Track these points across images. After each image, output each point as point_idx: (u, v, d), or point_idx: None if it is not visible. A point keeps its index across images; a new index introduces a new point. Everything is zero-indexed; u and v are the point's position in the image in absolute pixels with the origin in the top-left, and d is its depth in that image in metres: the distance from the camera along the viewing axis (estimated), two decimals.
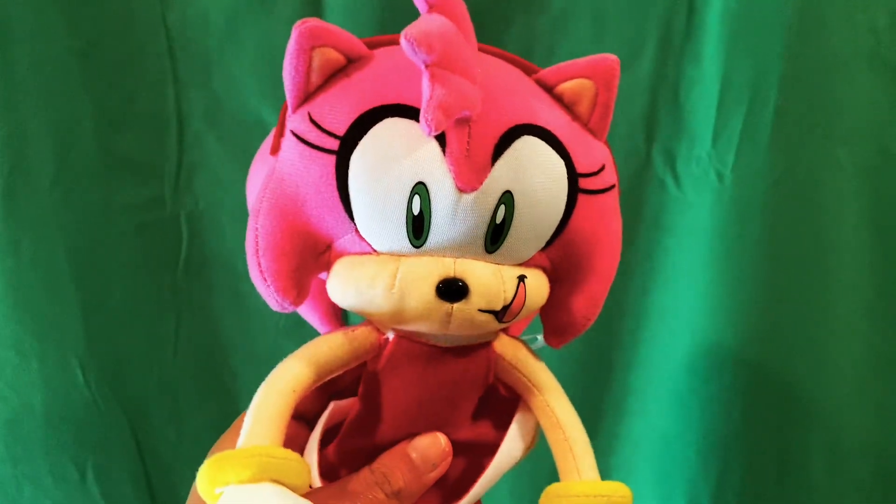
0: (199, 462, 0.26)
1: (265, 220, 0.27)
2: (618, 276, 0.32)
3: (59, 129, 0.47)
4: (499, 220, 0.27)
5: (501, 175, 0.26)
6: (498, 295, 0.27)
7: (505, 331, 0.32)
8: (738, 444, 0.57)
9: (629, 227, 0.31)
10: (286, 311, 0.29)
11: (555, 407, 0.32)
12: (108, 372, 0.52)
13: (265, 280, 0.27)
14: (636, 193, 0.53)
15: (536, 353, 0.33)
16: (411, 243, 0.27)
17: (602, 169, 0.29)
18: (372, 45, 0.28)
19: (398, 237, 0.27)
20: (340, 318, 0.35)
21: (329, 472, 0.31)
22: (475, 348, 0.30)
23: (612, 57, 0.29)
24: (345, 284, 0.28)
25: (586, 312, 0.31)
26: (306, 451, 0.32)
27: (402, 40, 0.23)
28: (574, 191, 0.28)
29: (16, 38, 0.45)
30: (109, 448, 0.53)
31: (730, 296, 0.54)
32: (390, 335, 0.29)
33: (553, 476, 0.32)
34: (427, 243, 0.27)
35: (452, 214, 0.26)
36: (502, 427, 0.33)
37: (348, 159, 0.26)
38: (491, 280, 0.27)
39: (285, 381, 0.28)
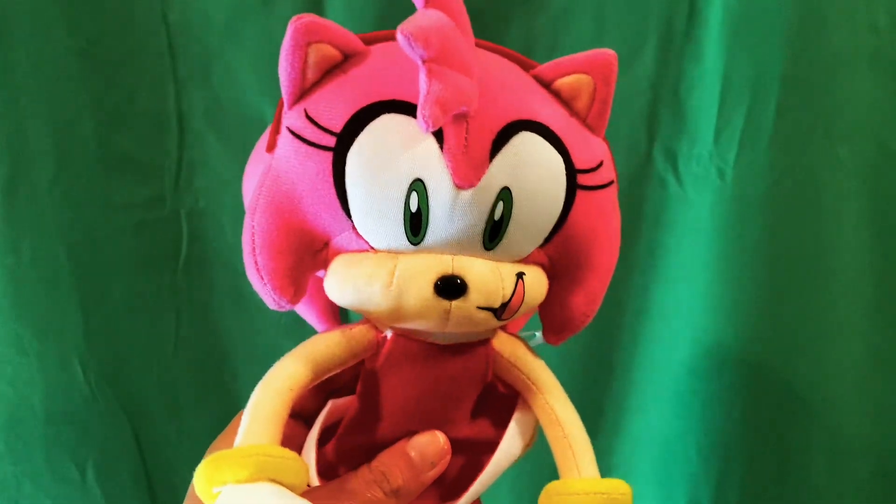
0: (199, 460, 0.26)
1: (261, 217, 0.27)
2: (618, 273, 0.32)
3: (59, 128, 0.47)
4: (497, 216, 0.27)
5: (499, 171, 0.26)
6: (496, 292, 0.27)
7: (503, 328, 0.32)
8: (738, 443, 0.57)
9: (630, 225, 0.31)
10: (283, 310, 0.29)
11: (554, 405, 0.32)
12: (109, 370, 0.52)
13: (262, 278, 0.27)
14: (637, 192, 0.53)
15: (535, 351, 0.33)
16: (409, 240, 0.26)
17: (600, 165, 0.29)
18: (369, 41, 0.28)
19: (396, 234, 0.26)
20: (338, 315, 0.35)
21: (327, 470, 0.31)
22: (474, 346, 0.30)
23: (610, 52, 0.29)
24: (342, 282, 0.28)
25: (585, 309, 0.31)
26: (304, 450, 0.32)
27: (399, 36, 0.23)
28: (572, 187, 0.28)
29: (16, 36, 0.45)
30: (109, 446, 0.53)
31: (730, 294, 0.54)
32: (388, 333, 0.29)
33: (553, 474, 0.32)
34: (425, 240, 0.26)
35: (450, 211, 0.26)
36: (501, 425, 0.33)
37: (345, 156, 0.26)
38: (489, 277, 0.27)
39: (282, 380, 0.28)
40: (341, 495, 0.29)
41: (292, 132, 0.27)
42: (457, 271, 0.27)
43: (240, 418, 0.31)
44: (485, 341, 0.31)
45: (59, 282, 0.49)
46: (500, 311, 0.28)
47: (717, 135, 0.51)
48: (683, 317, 0.55)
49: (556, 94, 0.29)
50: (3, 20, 0.45)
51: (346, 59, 0.27)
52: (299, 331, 0.30)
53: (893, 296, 0.55)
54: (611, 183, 0.30)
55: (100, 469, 0.53)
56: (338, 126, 0.26)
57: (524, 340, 0.33)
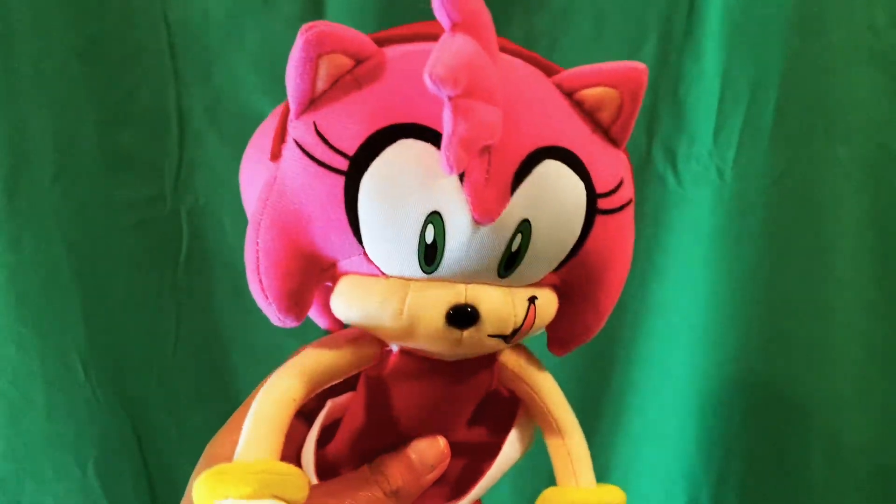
0: (200, 457, 0.26)
1: (266, 235, 0.26)
2: None
3: (60, 126, 0.47)
4: (514, 248, 0.25)
5: (520, 204, 0.25)
6: (508, 320, 0.27)
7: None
8: (738, 440, 0.57)
9: None
10: (286, 327, 0.28)
11: (556, 414, 0.32)
12: (109, 368, 0.52)
13: (266, 298, 0.26)
14: (636, 190, 0.53)
15: (537, 356, 0.33)
16: (422, 269, 0.25)
17: (620, 184, 0.28)
18: (381, 42, 0.26)
19: (409, 263, 0.25)
20: None
21: (326, 471, 0.31)
22: (480, 360, 0.30)
23: (640, 66, 0.27)
24: (350, 304, 0.27)
25: (592, 325, 0.31)
26: (304, 450, 0.32)
27: (427, 79, 0.21)
28: (592, 212, 0.27)
29: (17, 35, 0.45)
30: (110, 444, 0.53)
31: (730, 292, 0.54)
32: (394, 347, 0.29)
33: (553, 475, 0.32)
34: (438, 270, 0.25)
35: (467, 245, 0.25)
36: (501, 428, 0.33)
37: (358, 181, 0.24)
38: (502, 306, 0.26)
39: (284, 391, 0.27)
40: (342, 494, 0.29)
41: (301, 148, 0.25)
42: (469, 300, 0.26)
43: (239, 415, 0.31)
44: (491, 356, 0.30)
45: (60, 280, 0.49)
46: (511, 336, 0.27)
47: (716, 133, 0.52)
48: (683, 314, 0.55)
49: (578, 104, 0.27)
50: (4, 19, 0.45)
51: (358, 65, 0.25)
52: (300, 329, 0.30)
53: (894, 293, 0.55)
54: (629, 202, 0.29)
55: (100, 466, 0.53)
56: (351, 148, 0.24)
57: (528, 350, 0.33)
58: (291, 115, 0.26)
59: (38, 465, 0.52)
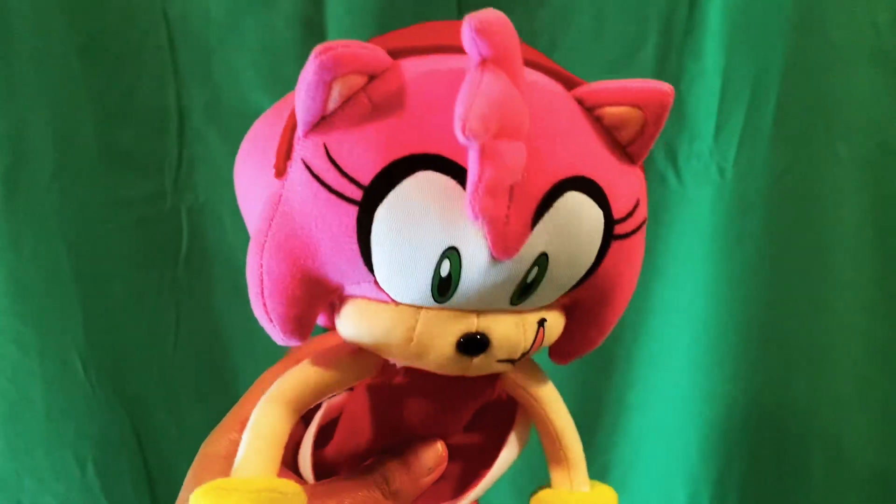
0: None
1: (271, 260, 0.25)
2: None
3: (59, 123, 0.47)
4: (529, 280, 0.25)
5: (540, 238, 0.24)
6: (518, 346, 0.26)
7: None
8: (738, 440, 0.57)
9: None
10: (289, 346, 0.28)
11: (554, 420, 0.32)
12: (109, 366, 0.52)
13: (271, 321, 0.26)
14: None
15: (536, 362, 0.33)
16: (434, 299, 0.25)
17: (636, 206, 0.27)
18: (396, 54, 0.24)
19: (421, 293, 0.25)
20: None
21: (324, 471, 0.31)
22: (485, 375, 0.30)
23: (667, 88, 0.26)
24: (358, 329, 0.26)
25: (595, 339, 0.30)
26: (301, 450, 0.32)
27: (459, 132, 0.20)
28: (608, 238, 0.26)
29: (16, 32, 0.45)
30: (109, 442, 0.53)
31: (731, 291, 0.54)
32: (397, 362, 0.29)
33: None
34: (451, 301, 0.25)
35: (483, 279, 0.24)
36: (500, 431, 0.33)
37: (372, 213, 0.23)
38: (513, 333, 0.26)
39: (285, 404, 0.27)
40: (340, 494, 0.29)
41: (311, 171, 0.24)
42: (481, 329, 0.25)
43: (234, 415, 0.31)
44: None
45: (60, 278, 0.49)
46: (519, 359, 0.27)
47: (717, 132, 0.51)
48: (683, 312, 0.55)
49: (599, 119, 0.26)
50: (4, 16, 0.45)
51: (372, 81, 0.23)
52: None
53: (893, 293, 0.55)
54: (643, 223, 0.28)
55: (100, 464, 0.53)
56: (366, 178, 0.23)
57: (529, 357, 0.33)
58: (299, 132, 0.24)
59: (38, 463, 0.52)
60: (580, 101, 0.26)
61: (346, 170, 0.23)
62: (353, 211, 0.23)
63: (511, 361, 0.27)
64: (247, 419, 0.27)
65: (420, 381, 0.28)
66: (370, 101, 0.23)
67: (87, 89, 0.48)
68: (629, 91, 0.25)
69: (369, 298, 0.26)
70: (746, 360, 0.55)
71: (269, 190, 0.25)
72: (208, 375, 0.55)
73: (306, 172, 0.24)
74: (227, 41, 0.48)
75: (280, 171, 0.24)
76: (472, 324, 0.25)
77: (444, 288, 0.24)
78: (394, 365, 0.28)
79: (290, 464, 0.32)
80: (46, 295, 0.49)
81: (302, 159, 0.24)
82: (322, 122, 0.23)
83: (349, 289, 0.26)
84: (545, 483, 0.33)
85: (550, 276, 0.25)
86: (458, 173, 0.22)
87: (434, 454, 0.31)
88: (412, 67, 0.24)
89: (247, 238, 0.27)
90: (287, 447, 0.27)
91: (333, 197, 0.23)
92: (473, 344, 0.25)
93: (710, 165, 0.52)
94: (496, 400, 0.32)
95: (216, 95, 0.49)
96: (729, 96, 0.51)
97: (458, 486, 0.32)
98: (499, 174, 0.21)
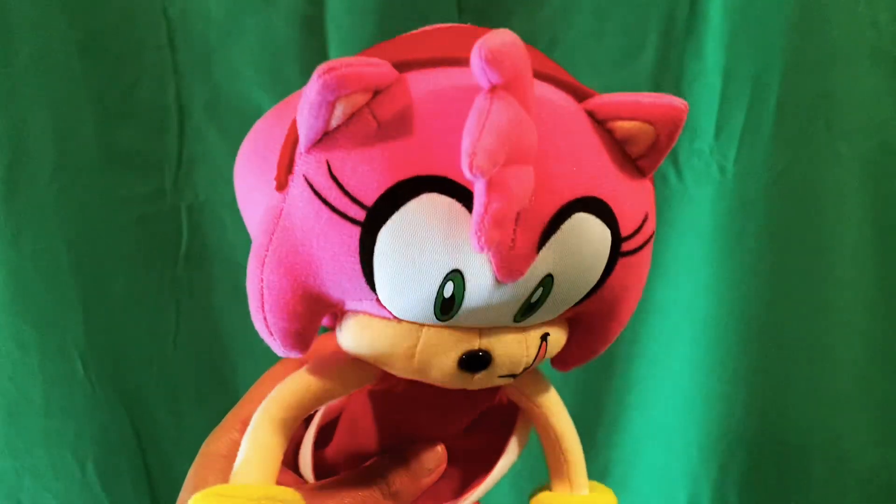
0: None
1: (272, 275, 0.24)
2: None
3: (59, 121, 0.47)
4: (534, 300, 0.25)
5: (546, 261, 0.23)
6: (521, 362, 0.26)
7: None
8: (738, 439, 0.57)
9: None
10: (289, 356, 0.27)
11: (554, 424, 0.32)
12: (108, 364, 0.52)
13: (271, 334, 0.26)
14: None
15: (540, 370, 0.32)
16: (437, 318, 0.25)
17: (645, 220, 0.26)
18: (401, 67, 0.23)
19: (423, 312, 0.24)
20: None
21: (324, 471, 0.31)
22: None
23: (681, 104, 0.25)
24: (359, 343, 0.26)
25: (598, 349, 0.30)
26: (301, 450, 0.32)
27: (466, 169, 0.20)
28: (615, 255, 0.25)
29: (16, 29, 0.45)
30: (109, 440, 0.53)
31: (731, 289, 0.54)
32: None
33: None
34: (453, 319, 0.25)
35: (486, 301, 0.24)
36: (501, 434, 0.33)
37: (375, 234, 0.23)
38: (515, 350, 0.26)
39: (286, 409, 0.27)
40: (340, 494, 0.29)
41: (313, 189, 0.23)
42: (483, 346, 0.25)
43: (235, 414, 0.31)
44: None
45: (59, 276, 0.49)
46: (521, 374, 0.27)
47: (717, 130, 0.51)
48: (684, 311, 0.55)
49: (610, 132, 0.25)
50: (4, 15, 0.45)
51: (376, 96, 0.23)
52: None
53: (894, 292, 0.55)
54: (651, 237, 0.28)
55: (99, 463, 0.53)
56: (369, 198, 0.22)
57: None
58: (300, 147, 0.23)
59: (37, 461, 0.52)
60: (591, 114, 0.25)
61: (349, 189, 0.23)
62: (356, 231, 0.23)
63: (513, 376, 0.27)
64: (248, 419, 0.27)
65: (421, 387, 0.27)
66: (375, 118, 0.23)
67: (88, 88, 0.47)
68: (642, 106, 0.25)
69: (371, 314, 0.26)
70: (747, 359, 0.55)
71: (269, 200, 0.25)
72: (208, 374, 0.55)
73: (308, 189, 0.23)
74: (227, 40, 0.48)
75: (281, 185, 0.24)
76: (475, 341, 0.25)
77: (446, 308, 0.24)
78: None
79: (290, 464, 0.32)
80: (46, 293, 0.49)
81: (304, 175, 0.23)
82: (325, 137, 0.23)
83: (350, 304, 0.26)
84: (545, 483, 0.33)
85: (555, 295, 0.25)
86: (463, 196, 0.22)
87: (434, 455, 0.31)
88: (418, 83, 0.23)
89: (247, 237, 0.27)
90: (287, 447, 0.27)
91: (336, 216, 0.23)
92: (475, 361, 0.25)
93: (711, 164, 0.52)
94: (497, 404, 0.32)
95: (216, 94, 0.49)
96: (729, 95, 0.51)
97: (458, 488, 0.33)
98: (505, 205, 0.21)
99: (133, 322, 0.52)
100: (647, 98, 0.25)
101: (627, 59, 0.50)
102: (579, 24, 0.50)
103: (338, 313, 0.27)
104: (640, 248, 0.26)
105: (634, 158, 0.26)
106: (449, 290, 0.23)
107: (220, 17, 0.48)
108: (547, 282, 0.24)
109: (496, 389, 0.30)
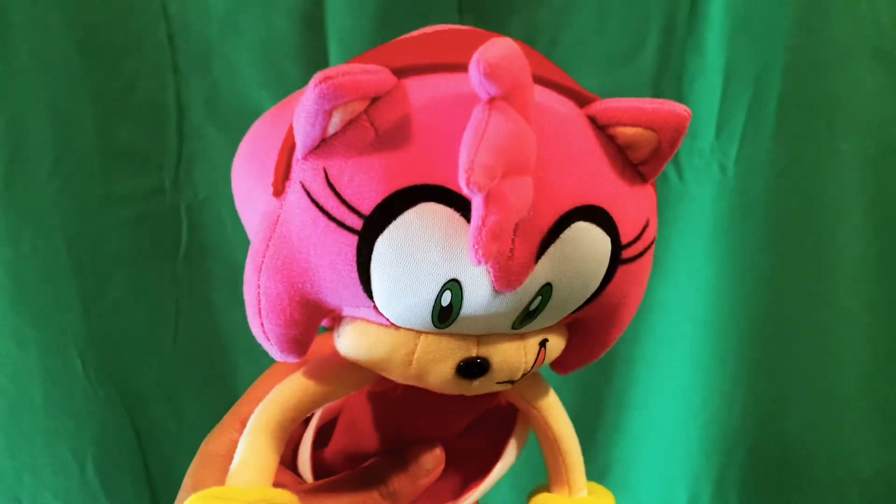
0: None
1: (269, 281, 0.24)
2: None
3: (58, 119, 0.47)
4: (532, 307, 0.25)
5: (545, 270, 0.23)
6: (519, 368, 0.26)
7: None
8: (739, 438, 0.57)
9: None
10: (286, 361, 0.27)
11: (553, 426, 0.32)
12: (108, 363, 0.52)
13: (268, 339, 0.26)
14: None
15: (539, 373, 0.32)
16: (434, 325, 0.24)
17: (645, 227, 0.26)
18: (400, 72, 0.23)
19: (421, 320, 0.24)
20: None
21: (323, 472, 0.31)
22: None
23: (684, 111, 0.24)
24: (356, 349, 0.26)
25: (597, 353, 0.30)
26: (300, 450, 0.32)
27: (463, 183, 0.19)
28: (615, 263, 0.25)
29: (16, 28, 0.45)
30: (109, 438, 0.53)
31: (732, 288, 0.54)
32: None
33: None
34: (451, 327, 0.25)
35: (484, 309, 0.24)
36: (500, 436, 0.33)
37: (373, 242, 0.23)
38: (514, 357, 0.26)
39: (284, 411, 0.27)
40: (339, 494, 0.29)
41: (310, 196, 0.23)
42: (481, 353, 0.25)
43: (235, 413, 0.31)
44: None
45: (59, 274, 0.49)
46: (520, 380, 0.27)
47: (718, 129, 0.51)
48: (685, 310, 0.55)
49: (611, 137, 0.25)
50: (3, 12, 0.45)
51: (374, 103, 0.22)
52: None
53: (895, 291, 0.55)
54: (651, 243, 0.27)
55: (99, 461, 0.53)
56: (367, 207, 0.22)
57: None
58: (297, 154, 0.23)
59: (37, 460, 0.52)
60: (592, 119, 0.25)
61: (346, 198, 0.22)
62: (353, 240, 0.23)
63: (511, 382, 0.27)
64: (247, 418, 0.27)
65: (420, 389, 0.27)
66: (373, 126, 0.22)
67: (87, 85, 0.47)
68: (644, 112, 0.24)
69: (369, 321, 0.25)
70: (747, 358, 0.55)
71: (266, 204, 0.24)
72: (207, 372, 0.55)
73: (305, 197, 0.23)
74: (226, 37, 0.48)
75: (278, 192, 0.24)
76: (473, 349, 0.25)
77: (444, 316, 0.24)
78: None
79: (289, 463, 0.32)
80: (45, 291, 0.49)
81: (301, 182, 0.23)
82: (322, 144, 0.23)
83: (348, 311, 0.26)
84: (544, 483, 0.33)
85: (554, 303, 0.25)
86: (461, 205, 0.22)
87: (432, 456, 0.31)
88: (417, 90, 0.23)
89: (246, 236, 0.27)
90: (286, 448, 0.27)
91: (333, 225, 0.23)
92: (473, 368, 0.25)
93: (712, 163, 0.52)
94: (496, 406, 0.32)
95: (216, 92, 0.49)
96: (730, 94, 0.51)
97: (457, 489, 0.33)
98: (504, 218, 0.20)
99: (132, 320, 0.52)
100: (650, 104, 0.24)
101: (628, 58, 0.50)
102: (579, 23, 0.49)
103: (336, 318, 0.27)
104: (641, 254, 0.26)
105: (636, 164, 0.25)
106: (447, 298, 0.23)
107: (219, 15, 0.48)
108: (546, 290, 0.24)
109: (495, 392, 0.30)
